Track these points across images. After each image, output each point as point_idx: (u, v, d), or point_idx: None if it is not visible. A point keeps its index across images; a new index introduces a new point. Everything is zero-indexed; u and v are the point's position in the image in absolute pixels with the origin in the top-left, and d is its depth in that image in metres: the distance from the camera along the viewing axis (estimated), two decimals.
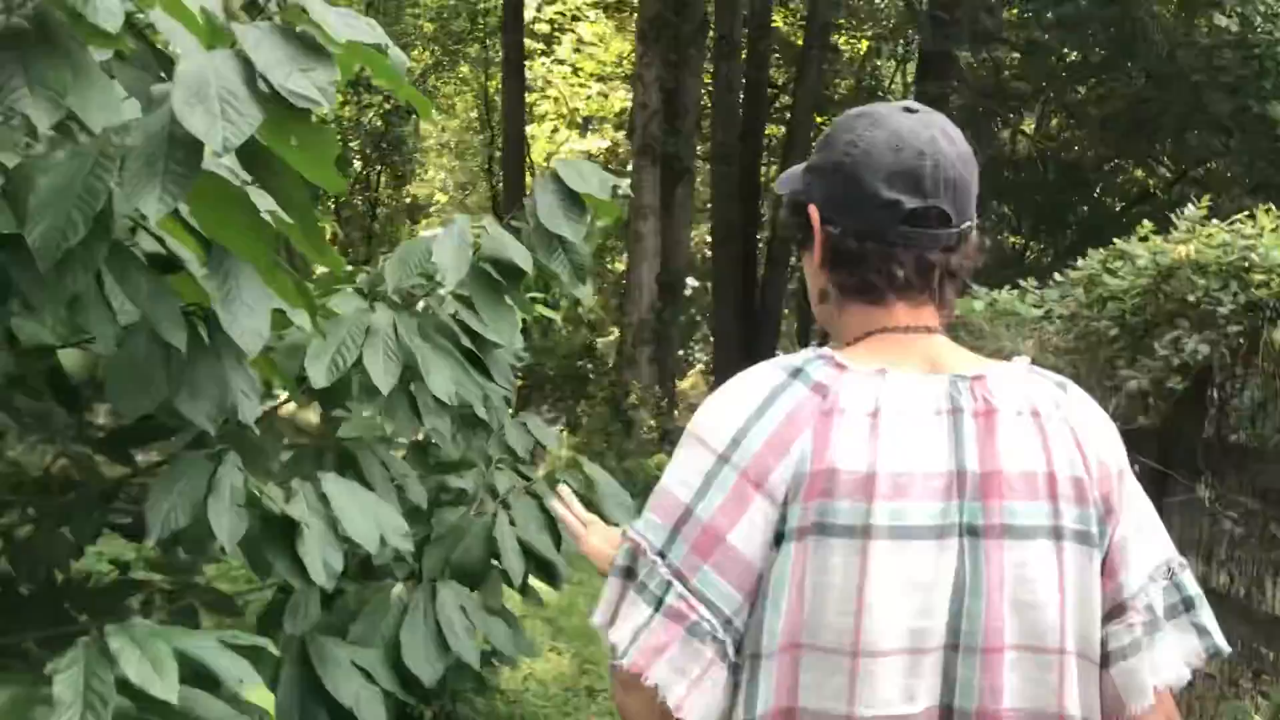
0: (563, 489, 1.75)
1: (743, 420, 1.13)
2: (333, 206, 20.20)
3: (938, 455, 1.10)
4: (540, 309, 4.40)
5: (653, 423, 11.22)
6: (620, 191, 2.55)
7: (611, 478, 3.28)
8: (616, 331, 15.09)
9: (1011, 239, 15.25)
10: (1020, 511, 1.10)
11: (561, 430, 12.00)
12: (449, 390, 2.53)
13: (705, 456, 1.13)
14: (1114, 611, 1.15)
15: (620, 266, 15.96)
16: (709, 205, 14.94)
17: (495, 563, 2.98)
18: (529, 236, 2.60)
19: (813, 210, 1.23)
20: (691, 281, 15.63)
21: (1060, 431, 1.15)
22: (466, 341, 2.73)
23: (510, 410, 3.74)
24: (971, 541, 1.09)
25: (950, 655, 1.08)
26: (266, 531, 2.17)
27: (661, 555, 1.11)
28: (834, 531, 1.07)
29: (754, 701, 1.09)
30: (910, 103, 1.25)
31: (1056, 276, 4.69)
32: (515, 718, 4.63)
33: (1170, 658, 1.17)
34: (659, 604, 1.10)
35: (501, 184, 17.93)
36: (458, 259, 2.45)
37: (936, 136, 1.18)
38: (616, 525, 1.72)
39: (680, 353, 12.53)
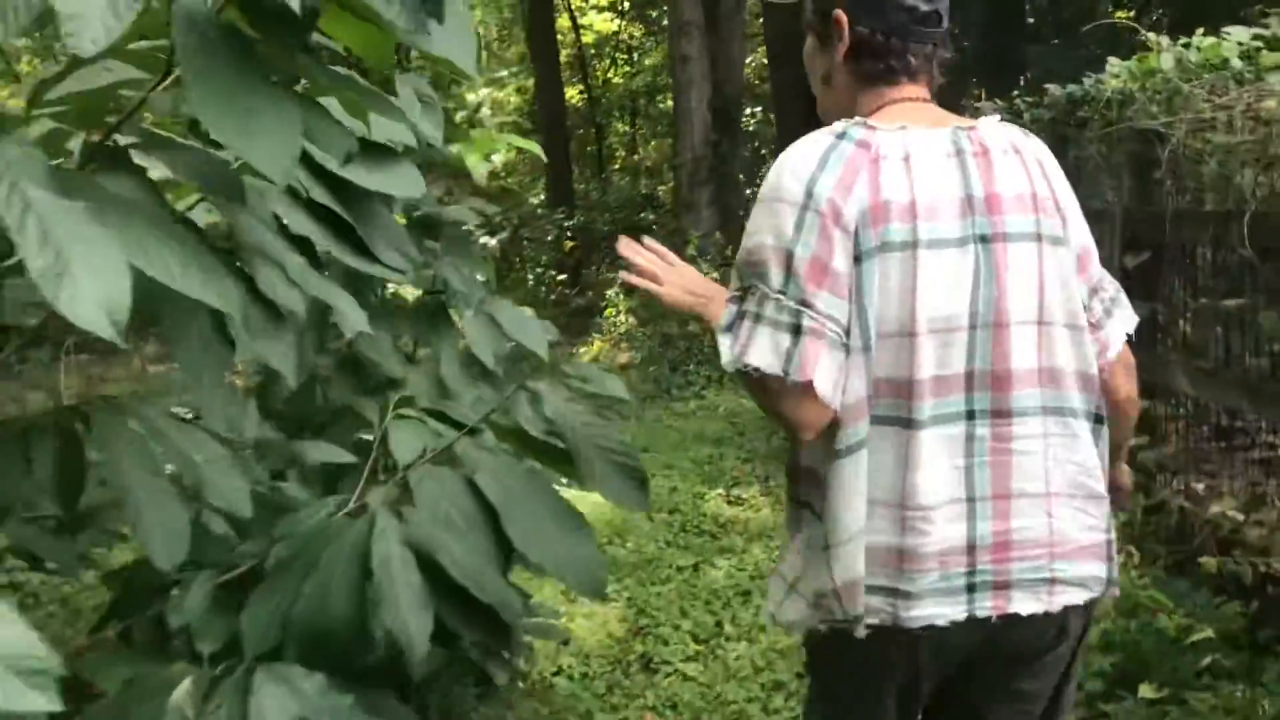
0: (624, 243, 1.78)
1: (809, 175, 1.45)
2: None
3: (953, 185, 1.47)
4: (508, 139, 2.96)
5: (715, 275, 9.58)
6: None
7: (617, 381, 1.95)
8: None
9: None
10: (1014, 222, 1.48)
11: (615, 298, 10.35)
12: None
13: (788, 209, 1.45)
14: (1090, 293, 1.58)
15: (669, 104, 14.10)
16: (760, 20, 12.98)
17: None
18: None
19: (840, 14, 1.57)
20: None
21: (1032, 163, 1.53)
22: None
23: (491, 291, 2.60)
24: (983, 247, 1.46)
25: (972, 333, 1.45)
26: None
27: (783, 293, 1.44)
28: (892, 248, 1.43)
29: (858, 377, 1.45)
30: None
31: None
32: (540, 718, 3.30)
33: (1123, 321, 1.63)
34: (797, 330, 1.43)
35: None
36: None
37: None
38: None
39: (748, 193, 10.70)
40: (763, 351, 1.45)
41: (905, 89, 1.57)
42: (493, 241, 11.27)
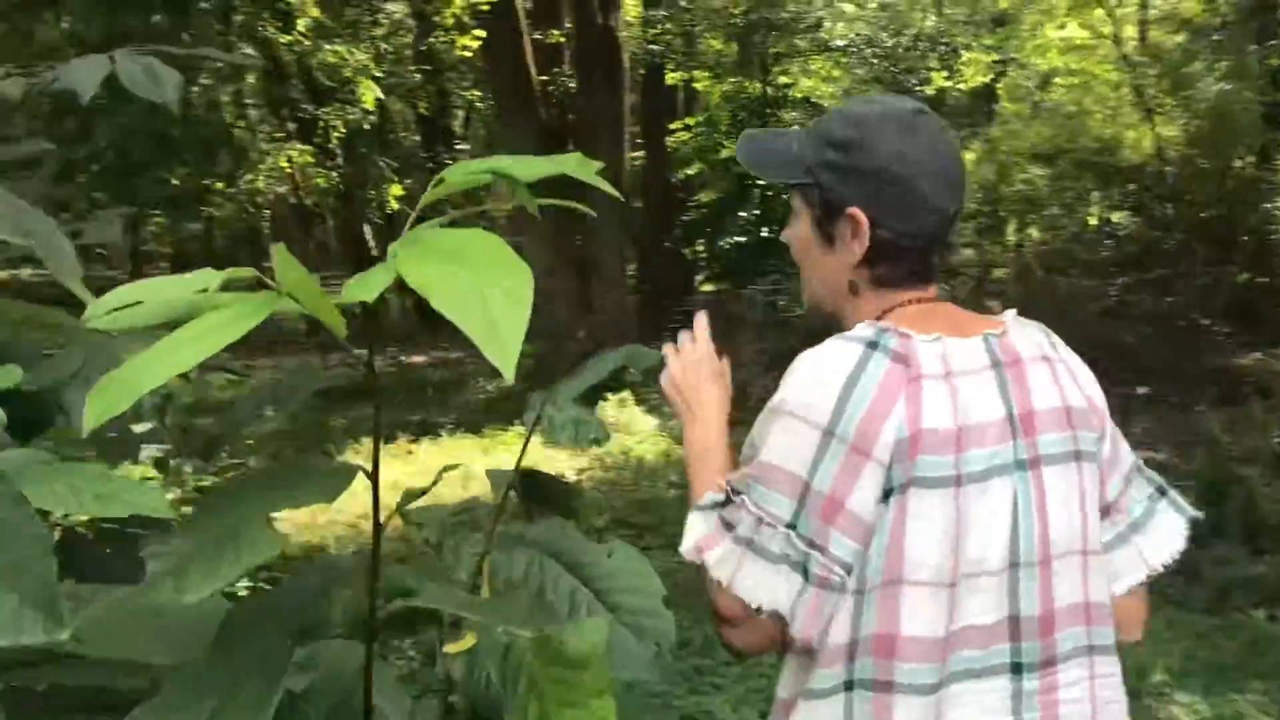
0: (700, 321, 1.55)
1: (837, 394, 1.23)
2: None
3: (994, 405, 1.26)
4: None
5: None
6: None
7: None
8: None
9: None
10: (1053, 442, 1.29)
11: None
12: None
13: (809, 433, 1.23)
14: (1104, 511, 1.36)
15: None
16: None
17: None
18: None
19: (858, 214, 1.32)
20: None
21: (1063, 371, 1.34)
22: None
23: None
24: (1021, 474, 1.26)
25: (1013, 572, 1.25)
26: None
27: (791, 527, 1.24)
28: (930, 483, 1.22)
29: (859, 625, 1.24)
30: (916, 102, 1.37)
31: None
32: None
33: (1159, 540, 1.38)
34: (804, 572, 1.23)
35: None
36: None
37: (953, 141, 1.36)
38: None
39: None
40: (753, 585, 1.25)
41: (913, 290, 1.36)
42: None
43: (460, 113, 19.23)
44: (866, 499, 1.21)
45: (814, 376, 1.25)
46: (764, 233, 12.71)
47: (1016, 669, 1.26)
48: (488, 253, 0.76)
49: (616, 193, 0.88)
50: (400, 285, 0.75)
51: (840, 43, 14.39)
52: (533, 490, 1.38)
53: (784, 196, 12.08)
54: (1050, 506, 1.27)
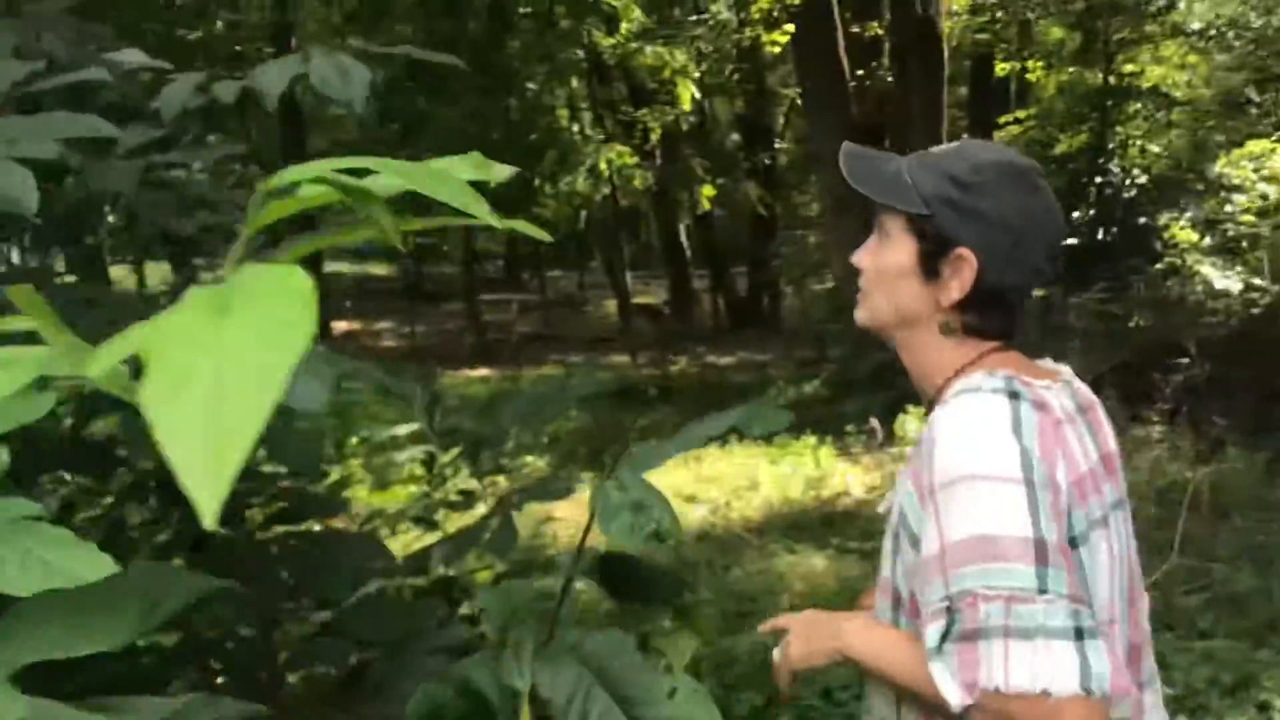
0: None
1: (1014, 444, 1.17)
2: None
3: (1093, 448, 1.30)
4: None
5: None
6: None
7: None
8: None
9: None
10: (1119, 486, 1.34)
11: None
12: None
13: (1011, 487, 1.15)
14: None
15: None
16: None
17: None
18: None
19: (969, 255, 1.29)
20: None
21: (1105, 417, 1.39)
22: None
23: None
24: (1115, 514, 1.30)
25: (1124, 610, 1.30)
26: None
27: (1043, 592, 1.12)
28: (1097, 525, 1.24)
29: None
30: (1033, 162, 1.36)
31: None
32: None
33: None
34: (1079, 634, 1.12)
35: None
36: None
37: (1058, 206, 1.34)
38: None
39: None
40: (1042, 671, 1.11)
41: (1003, 344, 1.35)
42: None
43: (780, 112, 19.00)
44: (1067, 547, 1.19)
45: (977, 434, 1.19)
46: (1099, 236, 11.61)
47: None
48: (266, 311, 0.49)
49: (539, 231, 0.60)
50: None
51: (1197, 26, 12.92)
52: (611, 574, 1.10)
53: (1087, 198, 11.18)
54: (1129, 547, 1.34)
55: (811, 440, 8.00)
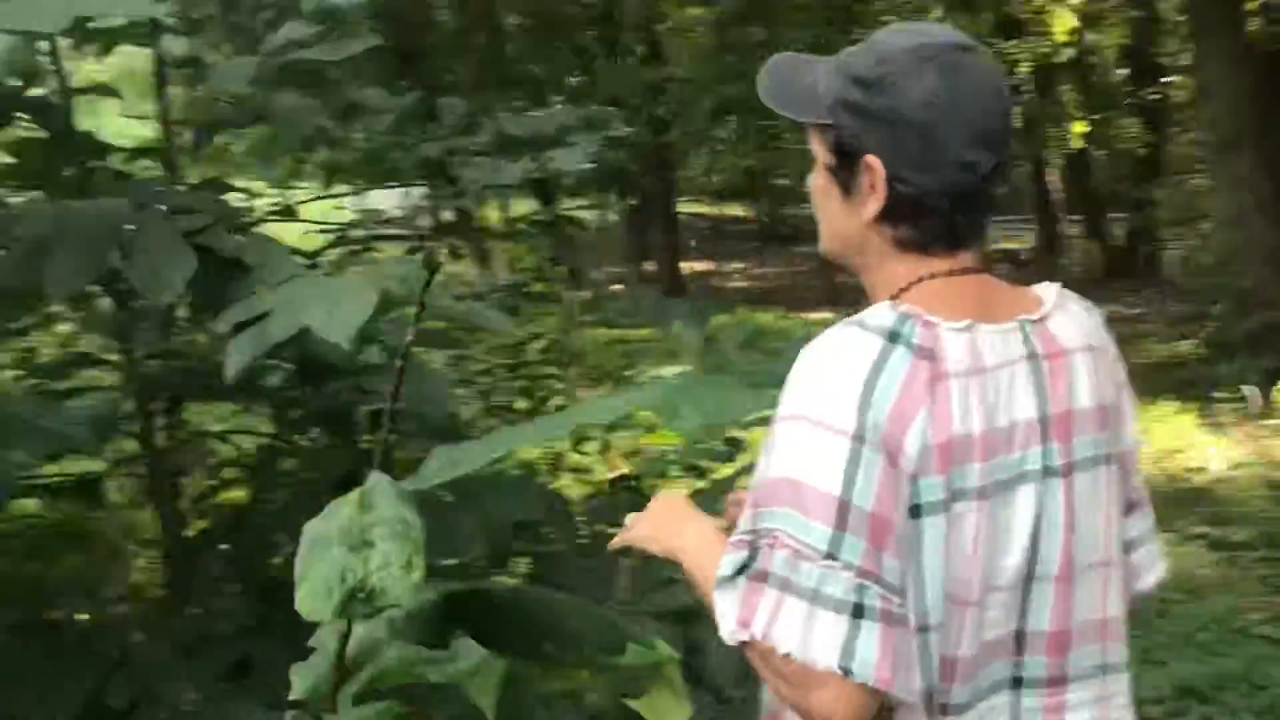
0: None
1: (858, 394, 1.09)
2: None
3: (1028, 404, 1.15)
4: None
5: None
6: None
7: None
8: None
9: None
10: (1086, 445, 1.18)
11: None
12: None
13: (835, 439, 1.09)
14: (1129, 507, 1.29)
15: None
16: None
17: None
18: None
19: (875, 163, 1.17)
20: None
21: (1102, 362, 1.23)
22: None
23: None
24: (1049, 481, 1.15)
25: (1026, 586, 1.15)
26: None
27: (832, 556, 1.07)
28: (964, 496, 1.11)
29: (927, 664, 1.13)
30: (961, 37, 1.19)
31: None
32: None
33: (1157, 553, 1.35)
34: (859, 610, 1.07)
35: None
36: None
37: (1002, 87, 1.19)
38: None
39: None
40: (805, 636, 1.07)
41: (954, 258, 1.20)
42: None
43: (1174, 42, 17.18)
44: (903, 513, 1.10)
45: (829, 374, 1.12)
46: None
47: (1016, 683, 1.19)
48: None
49: None
50: None
51: None
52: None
53: None
54: (1078, 518, 1.19)
55: (1171, 406, 7.20)
